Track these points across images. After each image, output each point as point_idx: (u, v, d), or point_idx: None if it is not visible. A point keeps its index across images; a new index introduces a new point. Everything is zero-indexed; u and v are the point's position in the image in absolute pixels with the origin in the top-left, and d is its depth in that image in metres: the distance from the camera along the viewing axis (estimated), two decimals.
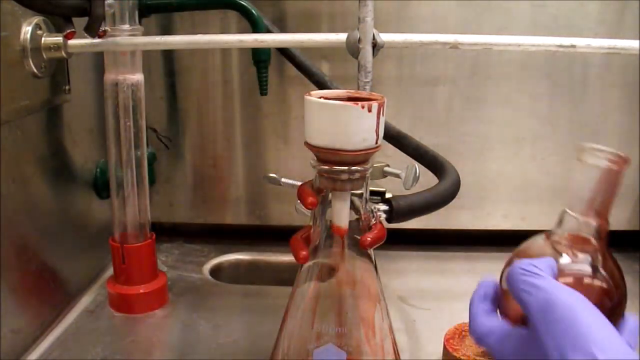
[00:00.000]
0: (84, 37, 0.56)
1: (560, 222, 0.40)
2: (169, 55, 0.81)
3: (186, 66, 0.81)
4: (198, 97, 0.83)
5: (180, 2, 0.69)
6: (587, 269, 0.39)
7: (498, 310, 0.41)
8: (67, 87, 0.65)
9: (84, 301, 0.69)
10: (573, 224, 0.39)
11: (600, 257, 0.39)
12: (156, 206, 0.84)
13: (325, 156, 0.40)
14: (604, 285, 0.39)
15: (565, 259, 0.39)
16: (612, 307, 0.38)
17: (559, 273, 0.38)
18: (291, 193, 0.59)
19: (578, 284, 0.38)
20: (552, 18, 0.76)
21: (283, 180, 0.69)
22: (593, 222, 0.38)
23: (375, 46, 0.54)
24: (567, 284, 0.37)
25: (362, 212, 0.43)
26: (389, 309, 0.46)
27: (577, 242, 0.39)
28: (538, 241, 0.41)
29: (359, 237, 0.43)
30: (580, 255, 0.39)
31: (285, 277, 0.82)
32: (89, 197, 0.72)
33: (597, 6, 0.76)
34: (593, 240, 0.39)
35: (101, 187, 0.73)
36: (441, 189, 0.62)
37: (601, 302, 0.37)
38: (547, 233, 0.41)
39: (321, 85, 0.67)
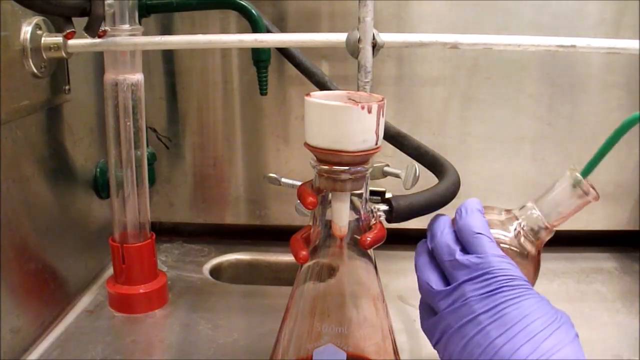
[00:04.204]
0: (84, 37, 0.56)
1: (523, 208, 0.48)
2: (169, 55, 0.81)
3: (186, 66, 0.81)
4: (198, 97, 0.83)
5: (180, 2, 0.69)
6: (528, 247, 0.47)
7: None
8: (67, 87, 0.65)
9: (84, 301, 0.69)
10: (532, 218, 0.47)
11: (538, 247, 0.47)
12: (156, 206, 0.85)
13: (325, 157, 0.40)
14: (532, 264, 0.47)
15: (512, 235, 0.47)
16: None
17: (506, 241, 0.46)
18: (291, 193, 0.59)
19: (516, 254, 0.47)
20: (552, 18, 0.76)
21: (283, 180, 0.69)
22: (544, 225, 0.47)
23: (375, 46, 0.54)
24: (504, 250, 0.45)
25: (362, 212, 0.43)
26: (389, 309, 0.46)
27: (528, 231, 0.47)
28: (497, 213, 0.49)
29: (359, 237, 0.43)
30: (523, 240, 0.47)
31: (285, 277, 0.82)
32: (89, 197, 0.72)
33: (597, 6, 0.76)
34: (542, 233, 0.47)
35: (101, 187, 0.73)
36: (441, 189, 0.61)
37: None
38: (508, 210, 0.48)
39: (321, 85, 0.67)
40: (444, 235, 0.44)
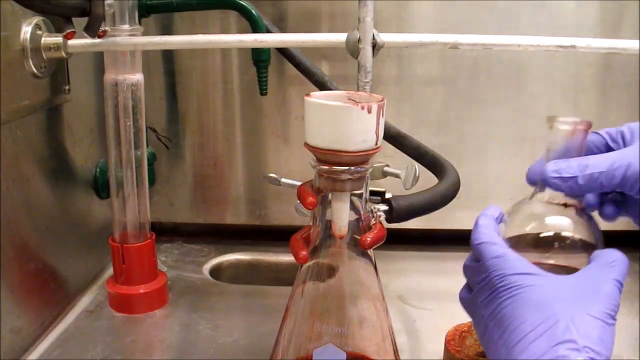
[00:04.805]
0: (84, 37, 0.56)
1: (541, 185, 0.44)
2: (169, 55, 0.81)
3: (186, 66, 0.81)
4: (198, 97, 0.83)
5: (180, 2, 0.69)
6: (569, 223, 0.44)
7: None
8: (67, 87, 0.65)
9: (84, 301, 0.69)
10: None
11: (580, 209, 0.44)
12: (156, 206, 0.85)
13: (325, 157, 0.40)
14: (586, 237, 0.44)
15: (550, 216, 0.44)
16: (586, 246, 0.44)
17: (544, 228, 0.44)
18: (291, 193, 0.59)
19: (560, 238, 0.43)
20: (552, 18, 0.76)
21: (283, 180, 0.69)
22: None
23: (375, 46, 0.54)
24: (549, 237, 0.43)
25: (362, 212, 0.43)
26: (389, 309, 0.46)
27: (560, 199, 0.44)
28: (525, 201, 0.46)
29: (359, 237, 0.43)
30: (564, 211, 0.44)
31: (285, 277, 0.82)
32: (89, 197, 0.72)
33: (597, 6, 0.76)
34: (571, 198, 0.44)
35: (101, 187, 0.73)
36: (441, 189, 0.62)
37: (584, 251, 0.43)
38: (532, 193, 0.45)
39: (321, 85, 0.67)
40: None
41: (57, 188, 0.65)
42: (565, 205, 0.44)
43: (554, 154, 0.44)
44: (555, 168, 0.43)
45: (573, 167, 0.43)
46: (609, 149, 0.47)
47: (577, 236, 0.44)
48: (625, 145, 0.46)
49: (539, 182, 0.45)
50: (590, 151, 0.46)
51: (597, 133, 0.48)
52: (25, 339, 0.59)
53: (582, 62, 0.78)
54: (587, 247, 0.44)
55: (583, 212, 0.45)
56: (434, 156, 0.67)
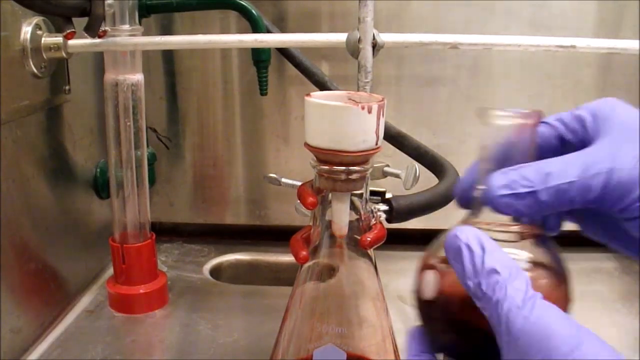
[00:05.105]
0: (84, 37, 0.56)
1: (477, 206, 0.33)
2: (169, 55, 0.81)
3: (186, 66, 0.82)
4: (198, 97, 0.83)
5: (180, 2, 0.69)
6: (524, 253, 0.32)
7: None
8: (67, 87, 0.65)
9: (84, 301, 0.69)
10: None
11: (537, 235, 0.33)
12: (156, 206, 0.85)
13: (325, 157, 0.40)
14: (546, 265, 0.33)
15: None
16: (559, 281, 0.33)
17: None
18: (291, 193, 0.59)
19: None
20: (552, 18, 0.76)
21: (283, 180, 0.69)
22: None
23: (375, 46, 0.54)
24: None
25: (362, 212, 0.43)
26: (389, 309, 0.46)
27: (509, 224, 0.32)
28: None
29: (359, 237, 0.43)
30: (512, 240, 0.32)
31: (285, 277, 0.82)
32: (89, 197, 0.72)
33: (597, 6, 0.76)
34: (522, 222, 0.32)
35: (101, 187, 0.73)
36: (441, 189, 0.62)
37: (548, 280, 0.32)
38: (464, 220, 0.35)
39: (321, 85, 0.67)
40: None
41: (57, 188, 0.65)
42: (522, 233, 0.32)
43: (493, 162, 0.31)
44: (505, 182, 0.30)
45: (530, 178, 0.30)
46: (563, 142, 0.34)
47: (541, 275, 0.32)
48: (588, 135, 0.33)
49: (474, 202, 0.33)
50: (538, 149, 0.32)
51: (545, 122, 0.35)
52: (25, 339, 0.59)
53: (582, 62, 0.78)
54: (553, 285, 0.32)
55: (541, 238, 0.33)
56: (434, 156, 0.67)
